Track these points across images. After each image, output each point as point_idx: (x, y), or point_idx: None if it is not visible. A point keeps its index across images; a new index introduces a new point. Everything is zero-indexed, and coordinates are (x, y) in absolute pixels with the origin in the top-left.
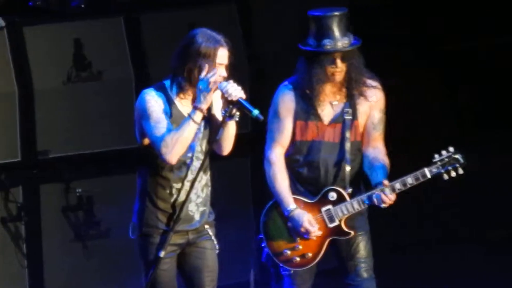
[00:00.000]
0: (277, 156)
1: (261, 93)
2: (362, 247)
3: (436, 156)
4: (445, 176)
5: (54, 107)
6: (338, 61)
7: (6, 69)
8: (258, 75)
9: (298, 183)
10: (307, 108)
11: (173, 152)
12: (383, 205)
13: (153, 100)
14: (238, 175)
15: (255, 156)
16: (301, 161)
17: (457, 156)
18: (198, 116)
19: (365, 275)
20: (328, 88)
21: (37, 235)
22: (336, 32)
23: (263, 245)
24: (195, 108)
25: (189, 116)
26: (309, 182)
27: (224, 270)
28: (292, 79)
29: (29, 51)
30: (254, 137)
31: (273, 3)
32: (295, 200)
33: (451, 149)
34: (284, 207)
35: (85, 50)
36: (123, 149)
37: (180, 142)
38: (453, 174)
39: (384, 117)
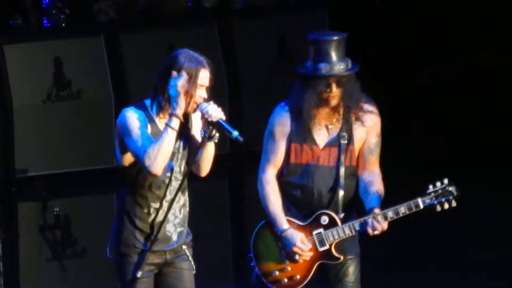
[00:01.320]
0: (270, 176)
1: (239, 115)
2: (351, 271)
3: (430, 187)
4: (438, 208)
5: (33, 126)
6: (333, 86)
7: None
8: (237, 97)
9: (291, 205)
10: (302, 131)
11: (156, 163)
12: (376, 232)
13: (134, 117)
14: (216, 196)
15: (233, 177)
16: (295, 184)
17: (451, 188)
18: (175, 123)
19: None
20: (323, 112)
21: (14, 253)
22: (333, 57)
23: (252, 264)
24: (170, 115)
25: (167, 124)
26: (302, 205)
27: None
28: (289, 100)
29: (9, 69)
30: (232, 158)
31: (253, 25)
32: (287, 221)
33: (446, 181)
34: (278, 226)
35: (65, 69)
36: (101, 168)
37: (162, 152)
38: (446, 206)
39: (380, 141)
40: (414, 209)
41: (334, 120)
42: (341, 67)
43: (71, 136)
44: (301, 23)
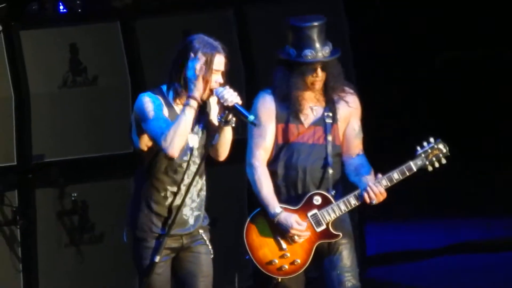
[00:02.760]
0: (259, 161)
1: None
2: (346, 256)
3: (419, 148)
4: (430, 168)
5: (50, 112)
6: (319, 71)
7: (2, 73)
8: (253, 81)
9: (279, 189)
10: (287, 111)
11: (172, 144)
12: (374, 202)
13: (150, 101)
14: (233, 180)
15: None
16: (279, 163)
17: (439, 146)
18: (193, 104)
19: (348, 284)
20: (307, 94)
21: (32, 239)
22: (317, 42)
23: (247, 257)
24: (188, 97)
25: (185, 105)
26: (288, 185)
27: (218, 275)
28: (272, 87)
29: (25, 55)
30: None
31: (269, 9)
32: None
33: (432, 139)
34: (270, 211)
35: (80, 55)
36: (118, 154)
37: (179, 134)
38: (436, 165)
39: (361, 124)
40: (407, 173)
41: (318, 101)
42: (326, 51)
43: (88, 122)
44: (316, 8)
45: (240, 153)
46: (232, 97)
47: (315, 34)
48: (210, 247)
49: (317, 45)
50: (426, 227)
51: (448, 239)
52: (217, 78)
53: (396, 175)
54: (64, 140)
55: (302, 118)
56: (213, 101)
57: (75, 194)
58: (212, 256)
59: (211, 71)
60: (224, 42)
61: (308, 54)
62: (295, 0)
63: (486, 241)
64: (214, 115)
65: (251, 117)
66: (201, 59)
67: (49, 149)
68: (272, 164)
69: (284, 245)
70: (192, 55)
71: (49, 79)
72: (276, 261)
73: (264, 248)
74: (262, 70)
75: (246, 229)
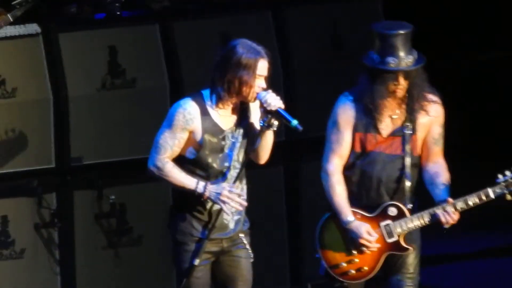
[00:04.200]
0: (335, 167)
1: (295, 102)
2: (409, 262)
3: (500, 176)
4: (508, 197)
5: (88, 114)
6: (401, 79)
7: (41, 75)
8: (293, 85)
9: (352, 195)
10: (366, 120)
11: (157, 177)
12: (446, 226)
13: (182, 115)
14: (272, 183)
15: (289, 165)
16: (355, 170)
17: None
18: (200, 192)
19: None
20: (388, 103)
21: (70, 242)
22: (401, 51)
23: (317, 256)
24: (204, 189)
25: (197, 186)
26: (361, 192)
27: (258, 279)
28: (353, 90)
29: (64, 57)
30: (288, 145)
31: (307, 12)
32: (353, 212)
33: None
34: (343, 219)
35: (119, 58)
36: None
37: (170, 181)
38: None
39: (443, 132)
40: (484, 199)
41: (398, 111)
42: (409, 60)
43: (126, 124)
44: (353, 11)
45: (279, 155)
46: (275, 101)
47: (399, 42)
48: (250, 251)
49: (401, 53)
50: None
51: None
52: (260, 83)
53: (472, 200)
54: (102, 142)
55: (381, 127)
56: (254, 105)
57: (113, 197)
58: (252, 260)
59: (255, 76)
60: (262, 43)
61: (391, 62)
62: (334, 1)
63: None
64: (255, 119)
65: (295, 122)
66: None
67: (87, 152)
68: (347, 171)
69: (353, 250)
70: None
71: (88, 81)
72: (344, 264)
73: (333, 250)
74: (301, 73)
75: (319, 230)
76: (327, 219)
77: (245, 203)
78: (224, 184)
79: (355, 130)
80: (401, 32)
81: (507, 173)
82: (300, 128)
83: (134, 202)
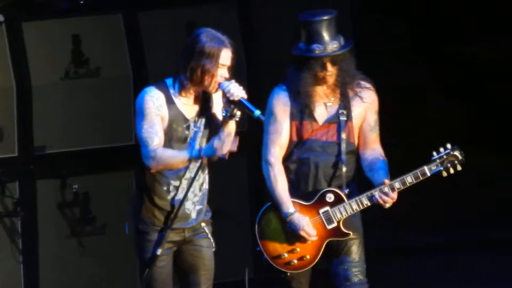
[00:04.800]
0: (275, 157)
1: (260, 93)
2: (354, 251)
3: (435, 153)
4: (444, 174)
5: (52, 103)
6: (328, 65)
7: (4, 64)
8: (257, 75)
9: (291, 184)
10: (301, 108)
11: (157, 167)
12: (387, 205)
13: (151, 101)
14: (236, 173)
15: (252, 155)
16: (293, 159)
17: (455, 152)
18: (197, 160)
19: (355, 279)
20: (321, 90)
21: (33, 231)
22: (326, 37)
23: (258, 249)
24: (200, 153)
25: (190, 153)
26: (300, 180)
27: (220, 268)
28: (285, 81)
29: (27, 46)
30: (251, 135)
31: (274, 2)
32: (292, 203)
33: (449, 146)
34: (283, 210)
35: (83, 47)
36: (120, 146)
37: (167, 165)
38: (451, 171)
39: (378, 118)
40: (421, 178)
41: (332, 98)
42: (334, 45)
43: (90, 114)
44: (322, 1)
45: (242, 145)
46: (238, 91)
47: (323, 28)
48: (212, 240)
49: (326, 39)
50: None
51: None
52: (223, 72)
53: (409, 179)
54: (65, 131)
55: (316, 115)
56: (217, 95)
57: (76, 186)
58: (214, 249)
59: (217, 65)
60: (226, 33)
61: (316, 48)
62: None
63: None
64: (217, 109)
65: (257, 112)
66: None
67: (50, 141)
68: (286, 160)
69: (294, 240)
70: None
71: (52, 70)
72: (285, 255)
73: (274, 241)
74: (266, 64)
75: (258, 221)
76: (266, 210)
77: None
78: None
79: (291, 118)
80: (325, 18)
81: (441, 150)
82: (263, 118)
83: (98, 191)
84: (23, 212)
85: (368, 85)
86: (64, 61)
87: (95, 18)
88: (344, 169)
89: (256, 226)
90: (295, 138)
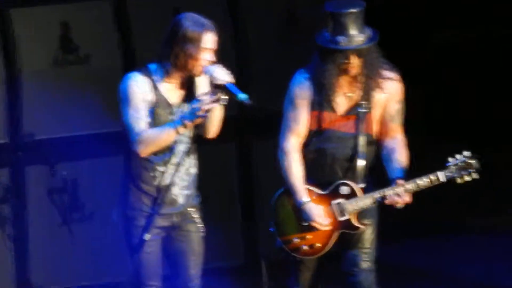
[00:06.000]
0: (292, 145)
1: (247, 77)
2: (365, 237)
3: (451, 159)
4: (459, 180)
5: (41, 90)
6: (352, 58)
7: None
8: (245, 59)
9: (307, 172)
10: (322, 98)
11: (146, 150)
12: (398, 206)
13: (135, 86)
14: (225, 158)
15: (242, 140)
16: (311, 149)
17: (472, 161)
18: (182, 130)
19: (363, 265)
20: (344, 81)
21: (22, 217)
22: (352, 30)
23: (271, 230)
24: (182, 120)
25: (174, 124)
26: (316, 169)
27: (209, 253)
28: (308, 68)
29: (17, 33)
30: (241, 120)
31: None
32: (307, 190)
33: (466, 153)
34: (297, 199)
35: (72, 33)
36: (109, 132)
37: (156, 144)
38: (467, 178)
39: (401, 108)
40: (435, 182)
41: (353, 89)
42: (360, 38)
43: (79, 100)
44: None
45: (228, 130)
46: (224, 76)
47: (350, 21)
48: (201, 225)
49: (352, 32)
50: None
51: None
52: (207, 56)
53: (423, 182)
54: (55, 118)
55: (336, 106)
56: (203, 79)
57: (65, 173)
58: (203, 234)
59: (200, 49)
60: (215, 19)
61: (341, 41)
62: None
63: None
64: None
65: (243, 96)
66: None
67: (40, 127)
68: (303, 149)
69: (305, 228)
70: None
71: (41, 57)
72: (297, 240)
73: (286, 225)
74: (254, 48)
75: (275, 203)
76: (280, 194)
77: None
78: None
79: (311, 108)
80: (352, 10)
81: (458, 156)
82: (249, 102)
83: (87, 178)
84: (13, 198)
85: (391, 75)
86: (53, 48)
87: (84, 5)
88: (361, 162)
89: (273, 208)
90: (314, 127)
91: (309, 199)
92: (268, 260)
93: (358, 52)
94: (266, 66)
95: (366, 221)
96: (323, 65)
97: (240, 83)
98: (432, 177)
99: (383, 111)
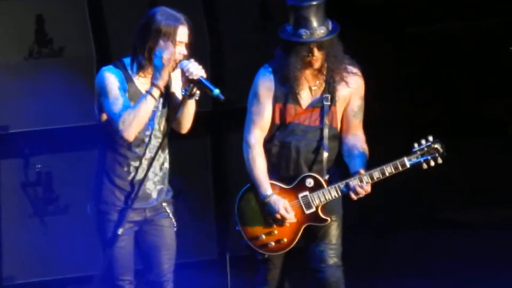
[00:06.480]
0: (256, 139)
1: (221, 72)
2: (331, 233)
3: (416, 145)
4: (424, 166)
5: (15, 83)
6: (315, 50)
7: None
8: (219, 54)
9: (272, 167)
10: (286, 91)
11: (130, 129)
12: (359, 196)
13: (112, 77)
14: (199, 153)
15: (215, 135)
16: (274, 142)
17: (436, 145)
18: (156, 93)
19: (330, 261)
20: (307, 73)
21: None
22: (313, 22)
23: (237, 228)
24: (152, 84)
25: (147, 92)
26: (281, 163)
27: (182, 248)
28: (272, 62)
29: None
30: (214, 115)
31: None
32: (272, 185)
33: (430, 138)
34: (261, 192)
35: (46, 26)
36: (83, 125)
37: (137, 119)
38: (432, 163)
39: (363, 104)
40: (400, 169)
41: (318, 82)
42: (322, 31)
43: (53, 93)
44: None
45: (202, 125)
46: (197, 70)
47: (311, 14)
48: (173, 220)
49: (314, 24)
50: None
51: None
52: (180, 49)
53: (389, 169)
54: (29, 111)
55: (300, 99)
56: (175, 74)
57: (39, 166)
58: (176, 229)
59: (175, 43)
60: (189, 13)
61: (303, 33)
62: None
63: None
64: (176, 88)
65: (216, 91)
66: (171, 47)
67: (13, 120)
68: (267, 142)
69: (272, 223)
70: (161, 43)
71: (15, 50)
72: (263, 237)
73: (252, 222)
74: (229, 41)
75: (238, 202)
76: (245, 191)
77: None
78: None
79: (274, 101)
80: (313, 3)
81: (423, 142)
82: (222, 97)
83: (60, 171)
84: None
85: (355, 70)
86: (28, 41)
87: None
88: (325, 154)
89: (236, 206)
90: (278, 121)
91: (272, 192)
92: (235, 256)
93: (320, 45)
94: (240, 61)
95: (332, 217)
96: (286, 58)
97: (213, 77)
98: (398, 163)
99: (346, 107)
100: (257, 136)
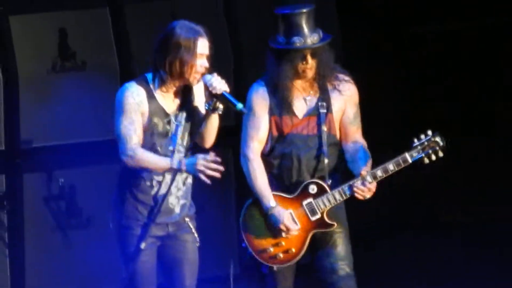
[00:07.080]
0: (254, 152)
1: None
2: (340, 244)
3: (416, 140)
4: (426, 160)
5: (39, 97)
6: (308, 58)
7: None
8: (242, 68)
9: (273, 178)
10: (280, 103)
11: (132, 164)
12: (360, 197)
13: (131, 97)
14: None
15: (238, 150)
16: (274, 154)
17: (436, 138)
18: (175, 169)
19: (342, 272)
20: (299, 84)
21: (19, 224)
22: (305, 29)
23: (244, 245)
24: (179, 164)
25: (171, 162)
26: (283, 174)
27: (205, 263)
28: (264, 77)
29: (15, 39)
30: (237, 129)
31: None
32: (275, 196)
33: (430, 132)
34: (264, 204)
35: (70, 40)
36: (106, 139)
37: (146, 167)
38: (433, 157)
39: (359, 111)
40: (402, 165)
41: (311, 91)
42: (314, 38)
43: (76, 107)
44: None
45: (226, 139)
46: (220, 85)
47: (303, 21)
48: (196, 235)
49: (306, 32)
50: None
51: None
52: (202, 62)
53: (391, 166)
54: (52, 125)
55: (296, 109)
56: (198, 88)
57: (63, 180)
58: (198, 244)
59: (195, 56)
60: (211, 26)
61: (296, 41)
62: None
63: None
64: (199, 102)
65: (240, 105)
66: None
67: (37, 134)
68: (268, 155)
69: (277, 234)
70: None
71: (39, 63)
72: (271, 249)
73: (259, 236)
74: (251, 56)
75: (242, 217)
76: (249, 205)
77: (222, 168)
78: (199, 155)
79: (270, 114)
80: (304, 10)
81: (422, 136)
82: (245, 111)
83: (84, 185)
84: (10, 205)
85: (346, 78)
86: (51, 55)
87: (82, 11)
88: (326, 160)
89: (240, 221)
90: (275, 133)
91: (275, 203)
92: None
93: (314, 52)
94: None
95: (337, 229)
96: (278, 67)
97: (236, 92)
98: (400, 159)
99: (342, 115)
100: (254, 149)
